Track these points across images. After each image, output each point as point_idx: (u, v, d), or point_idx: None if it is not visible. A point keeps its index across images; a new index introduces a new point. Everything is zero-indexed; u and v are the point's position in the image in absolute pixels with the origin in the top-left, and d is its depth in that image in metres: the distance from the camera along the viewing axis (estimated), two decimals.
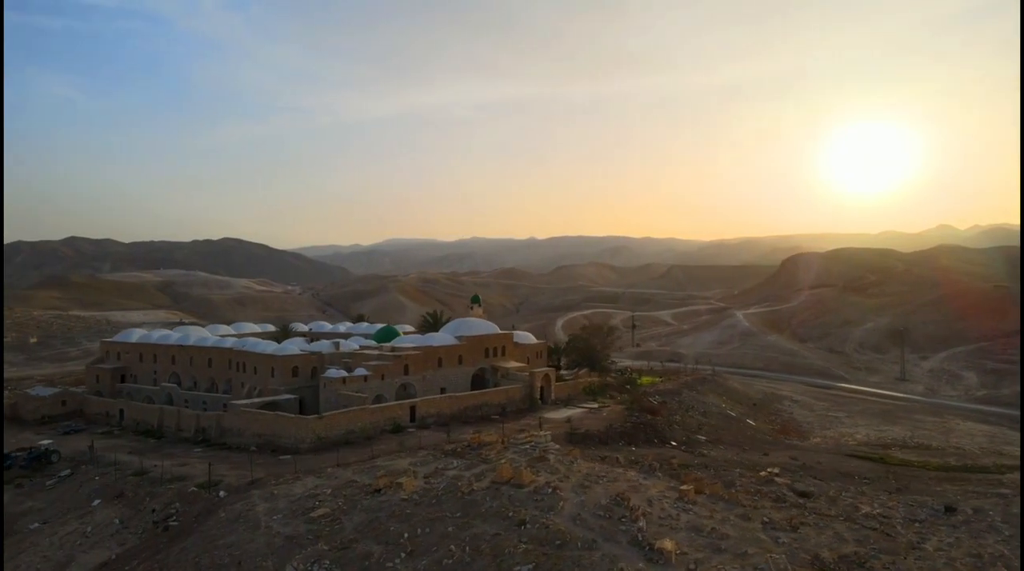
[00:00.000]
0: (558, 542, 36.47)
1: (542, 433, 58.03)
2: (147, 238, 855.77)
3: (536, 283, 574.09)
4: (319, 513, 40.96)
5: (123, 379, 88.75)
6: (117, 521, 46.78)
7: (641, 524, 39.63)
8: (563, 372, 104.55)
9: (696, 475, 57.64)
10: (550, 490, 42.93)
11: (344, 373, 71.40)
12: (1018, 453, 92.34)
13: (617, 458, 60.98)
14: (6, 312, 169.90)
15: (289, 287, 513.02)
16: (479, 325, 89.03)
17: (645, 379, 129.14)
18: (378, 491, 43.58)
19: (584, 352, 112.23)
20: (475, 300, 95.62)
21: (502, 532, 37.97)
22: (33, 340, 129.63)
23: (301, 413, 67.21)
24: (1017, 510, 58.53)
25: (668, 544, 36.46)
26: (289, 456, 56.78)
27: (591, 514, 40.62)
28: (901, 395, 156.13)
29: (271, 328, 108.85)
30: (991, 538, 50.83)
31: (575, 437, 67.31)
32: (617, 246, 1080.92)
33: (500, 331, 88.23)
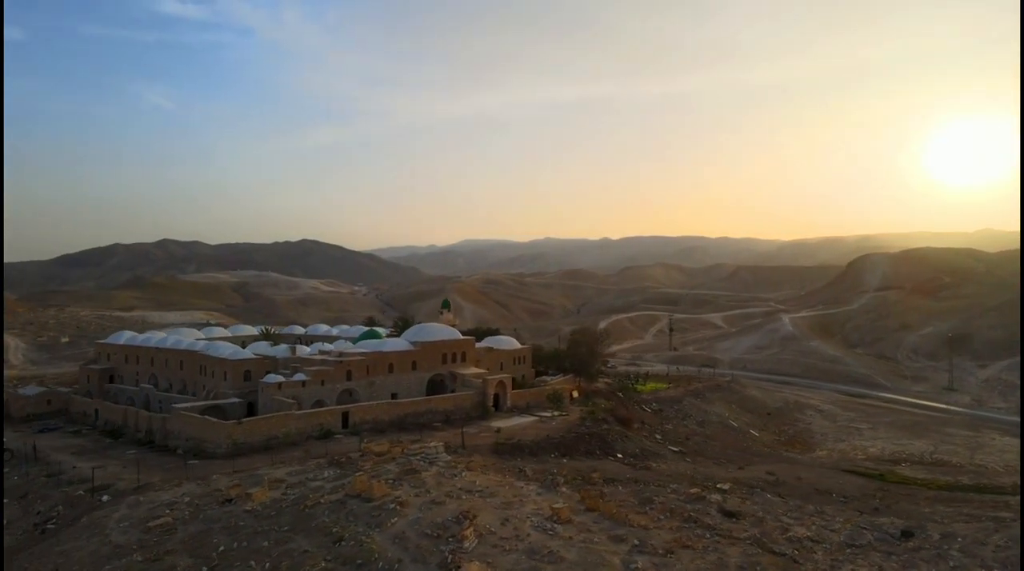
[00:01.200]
0: (359, 561, 35.74)
1: (432, 444, 57.05)
2: (232, 240, 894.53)
3: (601, 284, 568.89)
4: (158, 523, 41.53)
5: (111, 379, 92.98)
6: (5, 521, 48.82)
7: (466, 545, 38.42)
8: (546, 377, 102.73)
9: (601, 491, 55.66)
10: (393, 506, 42.19)
11: (281, 378, 72.71)
12: None
13: (524, 470, 59.48)
14: (54, 310, 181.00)
15: (356, 288, 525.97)
16: (438, 331, 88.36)
17: (651, 385, 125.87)
18: (229, 501, 43.91)
19: (571, 358, 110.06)
20: (445, 305, 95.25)
21: (313, 549, 37.54)
22: (65, 340, 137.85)
23: (250, 417, 68.58)
24: (1001, 538, 54.17)
25: (474, 568, 35.24)
26: (196, 461, 58.19)
27: (419, 533, 39.64)
28: (941, 406, 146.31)
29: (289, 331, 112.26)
30: (926, 569, 47.14)
31: (503, 448, 66.01)
32: (691, 246, 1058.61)
33: (460, 337, 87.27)
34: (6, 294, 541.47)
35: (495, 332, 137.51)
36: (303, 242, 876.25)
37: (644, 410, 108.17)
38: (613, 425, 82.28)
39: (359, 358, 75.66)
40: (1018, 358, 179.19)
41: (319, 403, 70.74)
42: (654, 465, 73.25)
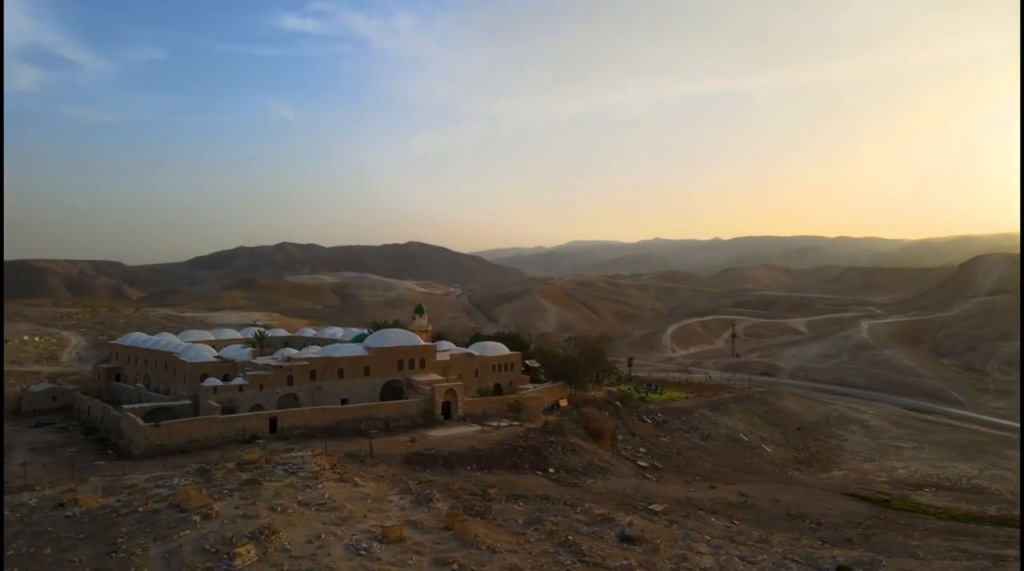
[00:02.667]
0: None
1: (300, 454, 56.44)
2: (344, 243, 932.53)
3: (699, 286, 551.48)
4: None
5: (118, 378, 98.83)
6: None
7: (237, 563, 37.82)
8: (529, 386, 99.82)
9: (487, 508, 53.73)
10: (197, 518, 42.16)
11: (218, 382, 74.55)
12: None
13: (411, 484, 58.06)
14: (131, 310, 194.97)
15: (450, 289, 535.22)
16: (396, 336, 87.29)
17: (668, 395, 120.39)
18: (61, 505, 45.22)
19: (564, 366, 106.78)
20: (418, 311, 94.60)
21: (83, 559, 37.99)
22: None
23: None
24: None
25: None
26: (102, 462, 60.76)
27: (198, 548, 39.26)
28: (1011, 424, 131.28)
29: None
30: None
31: (416, 458, 64.60)
32: (804, 247, 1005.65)
33: (421, 343, 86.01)
34: (131, 290, 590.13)
35: (514, 337, 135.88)
36: (410, 245, 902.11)
37: (644, 421, 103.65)
38: (568, 437, 79.02)
39: (303, 363, 76.54)
40: None
41: (257, 407, 72.11)
42: (590, 482, 69.84)
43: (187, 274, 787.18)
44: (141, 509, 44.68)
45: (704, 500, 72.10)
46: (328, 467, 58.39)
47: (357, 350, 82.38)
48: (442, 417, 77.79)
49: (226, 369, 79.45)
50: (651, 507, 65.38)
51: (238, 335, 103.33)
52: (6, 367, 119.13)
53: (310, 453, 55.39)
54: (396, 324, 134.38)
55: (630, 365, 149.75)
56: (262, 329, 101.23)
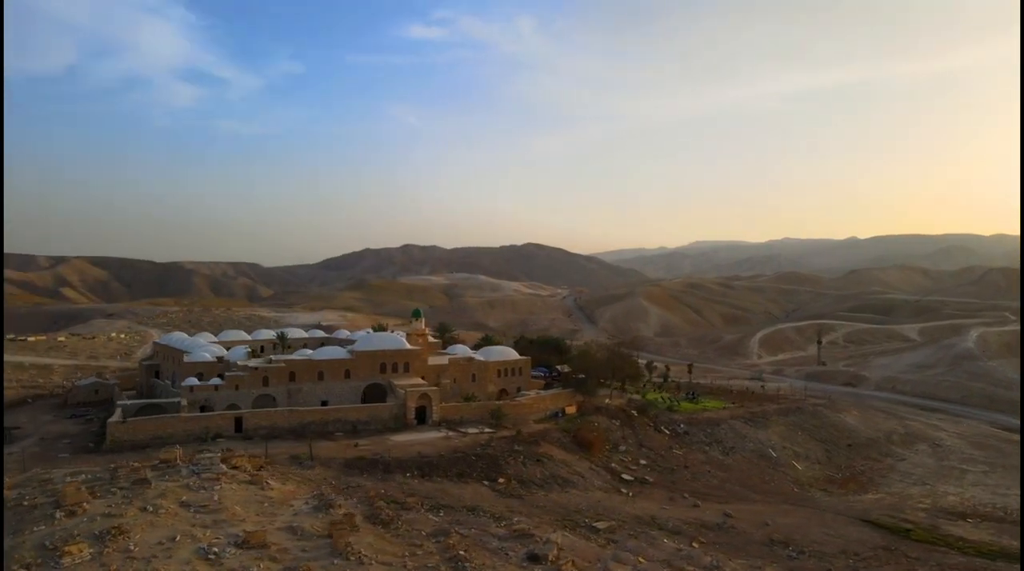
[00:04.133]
0: None
1: (208, 455, 57.58)
2: (464, 244, 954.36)
3: (822, 288, 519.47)
4: None
5: (157, 375, 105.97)
6: None
7: (65, 562, 39.58)
8: (528, 393, 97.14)
9: (397, 516, 53.69)
10: (61, 515, 44.49)
11: (196, 381, 77.92)
12: None
13: (322, 489, 58.26)
14: (221, 310, 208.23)
15: (558, 291, 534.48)
16: (381, 340, 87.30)
17: (706, 404, 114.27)
18: None
19: (593, 370, 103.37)
20: (416, 314, 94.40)
21: None
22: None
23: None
24: None
25: None
26: (67, 455, 65.30)
27: (39, 545, 40.71)
28: None
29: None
30: None
31: (356, 463, 64.53)
32: (951, 246, 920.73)
33: (406, 347, 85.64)
34: (265, 290, 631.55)
35: (555, 342, 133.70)
36: (527, 246, 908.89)
37: (660, 432, 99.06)
38: (542, 447, 76.75)
39: (280, 366, 78.75)
40: None
41: (233, 406, 75.06)
42: (541, 495, 67.59)
43: (317, 275, 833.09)
44: (26, 503, 47.48)
45: (671, 519, 67.96)
46: (251, 468, 59.89)
47: (340, 353, 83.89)
48: (415, 422, 77.57)
49: (220, 369, 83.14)
50: (595, 524, 62.39)
51: (271, 336, 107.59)
52: (82, 360, 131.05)
53: (209, 455, 56.65)
54: (380, 327, 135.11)
55: (667, 371, 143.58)
56: (283, 331, 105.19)
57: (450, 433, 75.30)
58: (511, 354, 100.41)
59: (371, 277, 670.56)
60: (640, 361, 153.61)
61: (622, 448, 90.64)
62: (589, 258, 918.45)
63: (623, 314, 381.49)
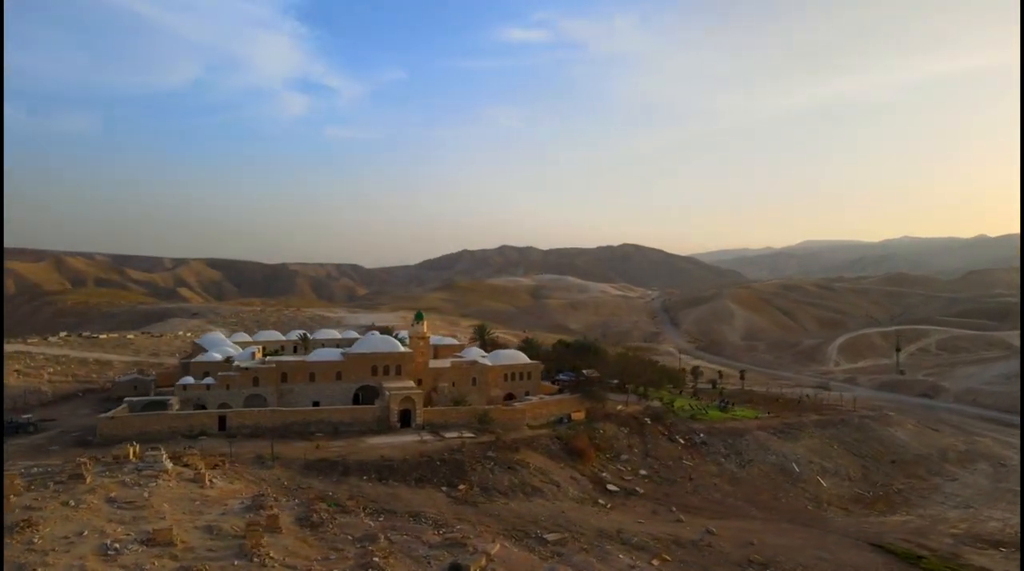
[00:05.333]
0: None
1: (151, 453, 59.21)
2: (561, 245, 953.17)
3: (933, 290, 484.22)
4: None
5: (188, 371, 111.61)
6: None
7: None
8: (530, 398, 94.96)
9: (331, 517, 54.60)
10: None
11: (191, 380, 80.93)
12: None
13: (267, 489, 59.25)
14: (292, 310, 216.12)
15: (648, 292, 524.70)
16: (375, 343, 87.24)
17: (735, 412, 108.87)
18: None
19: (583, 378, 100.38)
20: (418, 317, 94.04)
21: None
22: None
23: None
24: None
25: None
26: (57, 447, 69.51)
27: None
28: None
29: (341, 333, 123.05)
30: None
31: (316, 465, 65.07)
32: None
33: (399, 350, 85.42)
34: (363, 290, 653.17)
35: (589, 345, 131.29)
36: (623, 246, 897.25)
37: (674, 441, 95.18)
38: (519, 454, 75.22)
39: (270, 367, 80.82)
40: None
41: (224, 405, 77.81)
42: (500, 503, 66.18)
43: (416, 275, 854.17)
44: None
45: (640, 534, 64.99)
46: (203, 467, 61.70)
47: (333, 355, 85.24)
48: (399, 425, 77.80)
49: (223, 369, 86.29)
50: (545, 536, 60.58)
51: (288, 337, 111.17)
52: (142, 357, 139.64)
53: (153, 453, 58.60)
54: (385, 330, 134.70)
55: (695, 376, 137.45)
56: (305, 332, 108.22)
57: (427, 437, 75.02)
58: (520, 358, 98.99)
59: (466, 278, 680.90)
60: (685, 366, 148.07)
61: (624, 457, 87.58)
62: (687, 259, 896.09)
63: (707, 317, 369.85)
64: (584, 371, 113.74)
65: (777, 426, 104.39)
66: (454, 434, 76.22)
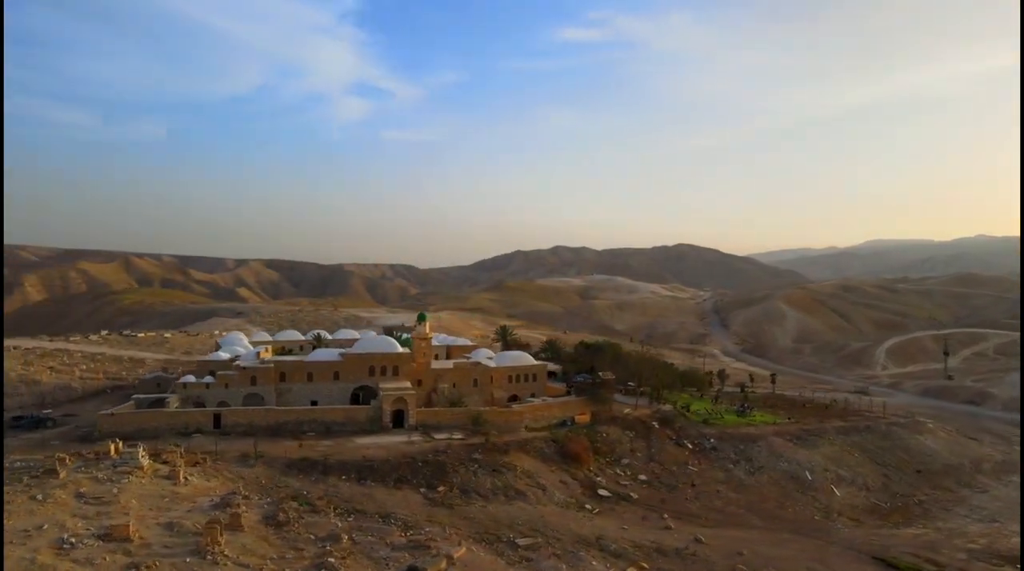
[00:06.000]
0: None
1: (129, 450, 60.46)
2: (615, 245, 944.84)
3: (1004, 291, 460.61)
4: None
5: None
6: None
7: None
8: (532, 399, 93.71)
9: (298, 516, 55.62)
10: None
11: (192, 379, 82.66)
12: None
13: (239, 487, 60.07)
14: (329, 309, 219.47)
15: (700, 293, 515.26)
16: (373, 343, 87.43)
17: (752, 417, 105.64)
18: None
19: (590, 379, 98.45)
20: (421, 318, 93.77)
21: None
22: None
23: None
24: None
25: None
26: (57, 442, 72.10)
27: None
28: None
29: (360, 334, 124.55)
30: None
31: (297, 464, 65.55)
32: None
33: (397, 350, 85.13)
34: (415, 290, 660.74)
35: (605, 345, 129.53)
36: (678, 246, 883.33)
37: (681, 446, 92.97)
38: (507, 456, 74.47)
39: (268, 366, 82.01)
40: None
41: (223, 403, 79.40)
42: (478, 506, 65.69)
43: (469, 276, 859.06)
44: None
45: (621, 540, 63.60)
46: (182, 464, 62.91)
47: (331, 355, 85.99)
48: (391, 425, 78.01)
49: (227, 367, 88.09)
50: (518, 540, 59.81)
51: (327, 336, 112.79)
52: (176, 355, 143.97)
53: (130, 451, 59.98)
54: (390, 332, 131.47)
55: (721, 379, 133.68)
56: (320, 332, 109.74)
57: (416, 438, 74.97)
58: (525, 360, 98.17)
59: (519, 278, 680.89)
60: (712, 369, 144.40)
61: (625, 461, 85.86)
62: (745, 259, 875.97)
63: (757, 318, 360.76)
64: (600, 373, 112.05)
65: (795, 432, 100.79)
66: (443, 435, 75.96)
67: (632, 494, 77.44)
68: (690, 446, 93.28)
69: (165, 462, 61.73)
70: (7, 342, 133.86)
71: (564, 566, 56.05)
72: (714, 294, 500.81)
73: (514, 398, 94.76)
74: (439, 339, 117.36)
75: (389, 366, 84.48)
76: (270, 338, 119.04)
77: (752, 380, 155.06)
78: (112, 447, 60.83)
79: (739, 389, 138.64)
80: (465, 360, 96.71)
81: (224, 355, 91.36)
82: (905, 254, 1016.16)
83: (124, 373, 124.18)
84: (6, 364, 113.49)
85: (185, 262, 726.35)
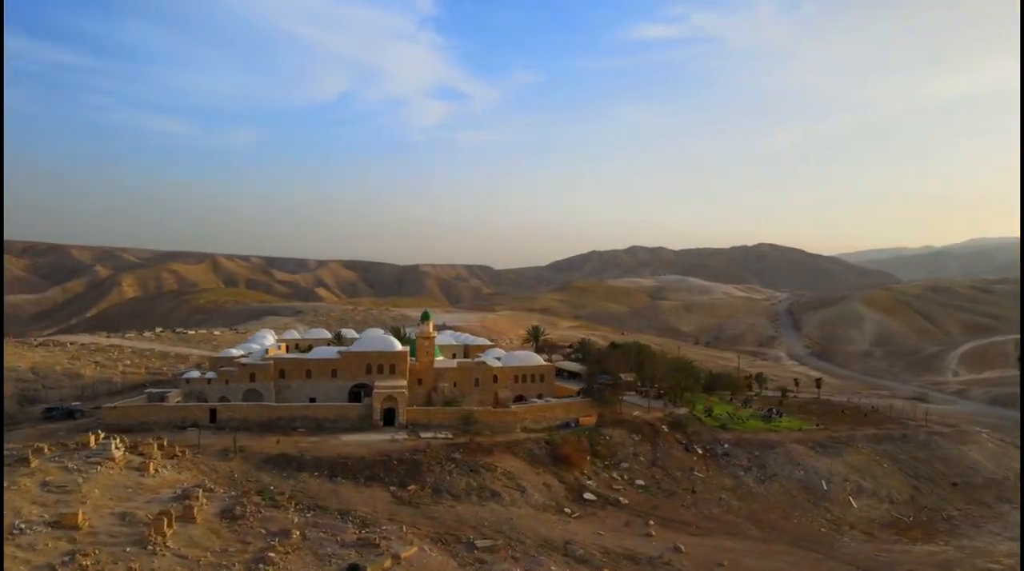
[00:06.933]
0: None
1: (101, 441, 62.25)
2: (693, 245, 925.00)
3: None
4: None
5: None
6: None
7: None
8: (536, 400, 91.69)
9: (255, 509, 56.93)
10: None
11: (196, 374, 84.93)
12: None
13: (203, 480, 61.41)
14: (381, 309, 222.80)
15: (776, 294, 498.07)
16: (371, 342, 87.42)
17: (778, 423, 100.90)
18: None
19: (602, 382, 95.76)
20: (424, 317, 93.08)
21: None
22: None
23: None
24: None
25: None
26: (64, 431, 75.75)
27: None
28: None
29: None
30: None
31: (276, 459, 66.32)
32: None
33: (394, 349, 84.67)
34: (489, 291, 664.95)
35: (633, 346, 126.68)
36: (759, 246, 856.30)
37: (691, 451, 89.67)
38: (488, 457, 73.48)
39: (267, 364, 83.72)
40: None
41: (223, 399, 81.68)
42: (446, 506, 65.07)
43: (544, 277, 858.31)
44: None
45: (592, 546, 61.99)
46: (158, 456, 64.84)
47: (330, 353, 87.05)
48: (382, 423, 78.34)
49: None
50: (477, 542, 58.95)
51: (353, 334, 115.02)
52: (218, 352, 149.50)
53: (102, 441, 62.19)
54: (396, 332, 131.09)
55: (761, 383, 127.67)
56: (339, 331, 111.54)
57: (401, 436, 74.98)
58: (533, 360, 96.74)
59: (593, 279, 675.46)
60: (758, 371, 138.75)
61: (624, 465, 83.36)
62: (831, 259, 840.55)
63: (832, 320, 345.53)
64: (620, 375, 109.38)
65: (821, 439, 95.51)
66: (429, 434, 75.66)
67: (622, 499, 75.04)
68: (700, 451, 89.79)
69: (141, 454, 63.83)
70: (65, 338, 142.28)
71: (517, 570, 54.84)
72: (791, 295, 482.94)
73: (520, 398, 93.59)
74: (457, 338, 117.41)
75: (386, 364, 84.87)
76: (298, 336, 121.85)
77: (798, 384, 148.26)
78: (92, 438, 63.29)
79: (780, 393, 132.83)
80: (468, 360, 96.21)
81: (234, 352, 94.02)
82: (1009, 253, 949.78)
83: (166, 369, 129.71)
84: (54, 359, 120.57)
85: (271, 263, 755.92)
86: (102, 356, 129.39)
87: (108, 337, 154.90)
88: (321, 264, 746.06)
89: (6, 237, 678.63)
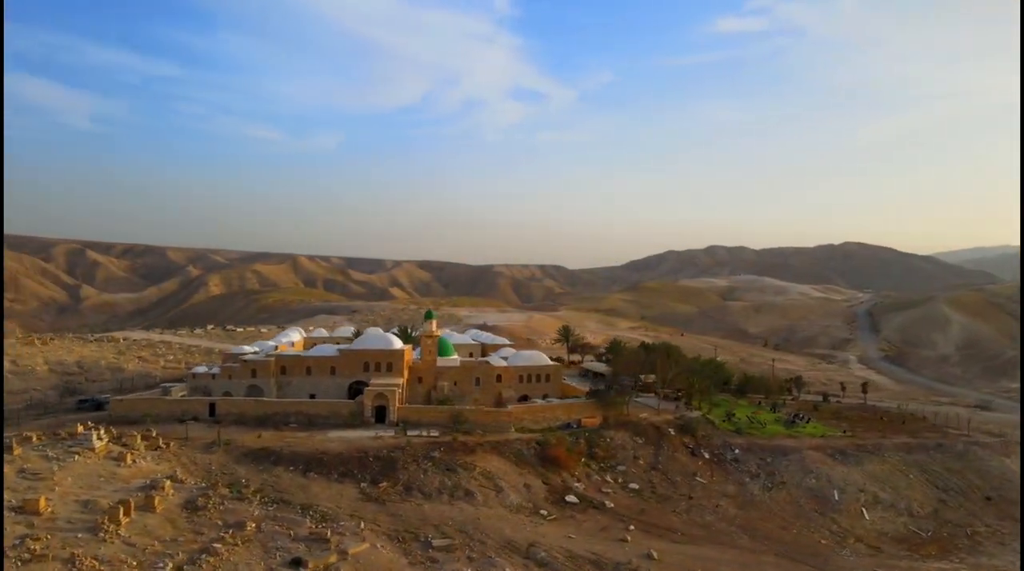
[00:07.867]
0: None
1: (83, 432, 64.46)
2: (776, 245, 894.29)
3: None
4: None
5: None
6: None
7: None
8: (537, 400, 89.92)
9: (219, 499, 58.79)
10: None
11: (204, 369, 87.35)
12: None
13: (176, 471, 63.25)
14: (419, 307, 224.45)
15: (859, 295, 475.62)
16: (370, 340, 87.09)
17: (808, 429, 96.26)
18: None
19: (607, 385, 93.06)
20: (428, 315, 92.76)
21: None
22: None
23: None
24: None
25: None
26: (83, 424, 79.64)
27: None
28: None
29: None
30: None
31: (255, 453, 67.53)
32: None
33: (393, 347, 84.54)
34: (561, 290, 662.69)
35: (667, 347, 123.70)
36: (845, 245, 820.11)
37: (697, 455, 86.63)
38: (471, 456, 72.81)
39: (268, 360, 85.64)
40: None
41: (227, 393, 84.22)
42: (412, 504, 64.89)
43: (619, 276, 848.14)
44: None
45: (556, 549, 60.67)
46: (141, 447, 67.30)
47: (329, 351, 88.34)
48: (373, 420, 78.99)
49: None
50: (434, 541, 58.75)
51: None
52: (234, 345, 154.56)
53: (84, 432, 64.89)
54: (404, 333, 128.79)
55: (800, 386, 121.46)
56: (358, 329, 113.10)
57: (385, 433, 75.32)
58: (539, 360, 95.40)
59: (668, 279, 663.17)
60: (788, 376, 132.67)
61: (621, 468, 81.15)
62: (926, 258, 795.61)
63: (914, 323, 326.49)
64: (640, 376, 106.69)
65: (843, 446, 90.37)
66: (416, 432, 75.69)
67: (608, 502, 72.99)
68: (707, 455, 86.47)
69: (124, 445, 66.46)
70: (117, 333, 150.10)
71: (469, 570, 54.24)
72: (874, 296, 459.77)
73: (524, 398, 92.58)
74: (476, 337, 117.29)
75: (383, 362, 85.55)
76: (327, 334, 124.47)
77: (844, 389, 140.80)
78: (80, 428, 66.36)
79: (821, 397, 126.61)
80: (471, 359, 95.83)
81: (248, 348, 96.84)
82: None
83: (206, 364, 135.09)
84: (101, 354, 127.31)
85: (349, 263, 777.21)
86: (148, 351, 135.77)
87: (161, 333, 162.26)
88: (396, 264, 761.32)
89: (110, 239, 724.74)
